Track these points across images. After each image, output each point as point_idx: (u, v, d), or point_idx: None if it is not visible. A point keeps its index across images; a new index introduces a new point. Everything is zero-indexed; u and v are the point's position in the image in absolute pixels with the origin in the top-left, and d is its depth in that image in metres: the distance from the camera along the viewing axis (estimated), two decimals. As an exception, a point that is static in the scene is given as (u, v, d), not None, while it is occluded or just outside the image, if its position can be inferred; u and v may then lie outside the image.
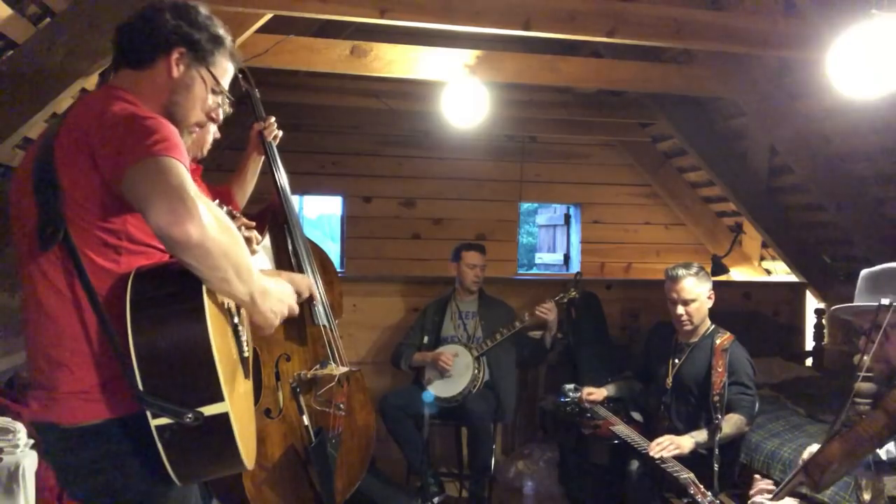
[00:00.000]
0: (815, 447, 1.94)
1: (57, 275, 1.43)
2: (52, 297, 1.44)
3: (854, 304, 1.97)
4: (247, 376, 1.61)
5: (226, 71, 1.66)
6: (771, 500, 1.88)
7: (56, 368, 1.44)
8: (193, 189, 1.31)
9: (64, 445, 1.44)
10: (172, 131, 1.41)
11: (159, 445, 1.31)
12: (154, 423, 1.30)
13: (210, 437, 1.32)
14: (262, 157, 2.72)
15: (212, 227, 1.29)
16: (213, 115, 1.68)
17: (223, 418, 1.31)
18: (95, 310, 1.38)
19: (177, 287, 1.32)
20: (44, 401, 1.45)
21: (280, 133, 2.77)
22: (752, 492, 1.99)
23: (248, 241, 2.35)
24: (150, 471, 1.39)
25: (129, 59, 1.58)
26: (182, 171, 1.33)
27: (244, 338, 1.56)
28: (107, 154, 1.37)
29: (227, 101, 1.68)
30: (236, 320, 1.51)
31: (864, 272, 2.02)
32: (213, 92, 1.63)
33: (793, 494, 1.89)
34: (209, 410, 1.29)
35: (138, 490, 1.43)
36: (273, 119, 2.75)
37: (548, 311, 3.87)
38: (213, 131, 2.31)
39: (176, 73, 1.56)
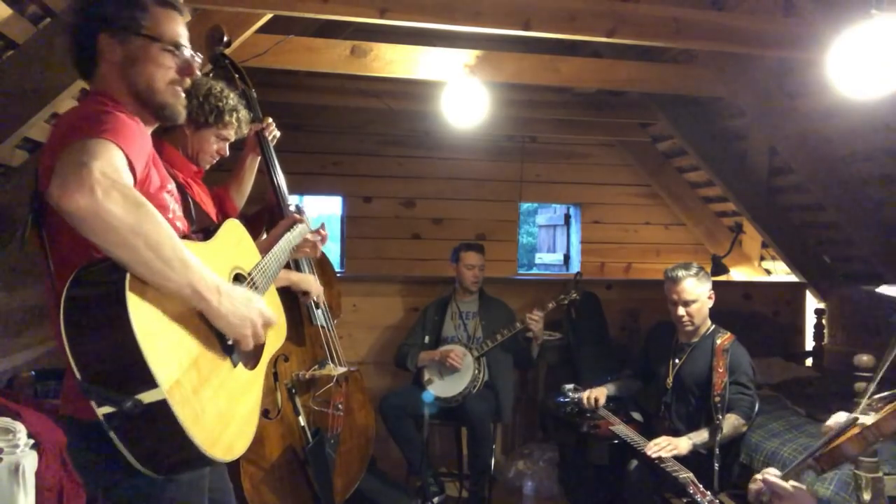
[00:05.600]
0: (841, 416, 1.91)
1: (45, 276, 1.48)
2: (47, 297, 1.50)
3: None
4: (241, 365, 1.58)
5: (162, 20, 1.56)
6: (781, 477, 1.87)
7: (67, 366, 1.48)
8: (104, 166, 1.27)
9: (77, 439, 1.50)
10: (126, 124, 1.40)
11: (111, 434, 1.31)
12: (99, 411, 1.30)
13: (156, 425, 1.32)
14: (259, 157, 2.73)
15: (111, 200, 1.25)
16: (187, 70, 1.59)
17: (162, 405, 1.30)
18: (57, 307, 1.39)
19: (104, 278, 1.33)
20: (64, 395, 1.52)
21: (278, 133, 2.77)
22: (751, 483, 1.98)
23: (311, 239, 2.31)
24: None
25: (83, 71, 1.58)
26: (104, 150, 1.30)
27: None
28: (60, 148, 1.36)
29: (186, 49, 1.59)
30: None
31: None
32: (166, 50, 1.56)
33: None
34: (147, 398, 1.29)
35: (145, 486, 1.45)
36: (270, 119, 2.75)
37: (535, 321, 3.85)
38: (216, 145, 2.31)
39: (115, 56, 1.52)
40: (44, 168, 1.45)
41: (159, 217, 1.33)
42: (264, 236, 2.67)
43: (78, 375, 1.30)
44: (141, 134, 1.44)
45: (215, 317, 1.43)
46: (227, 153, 2.37)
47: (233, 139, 2.39)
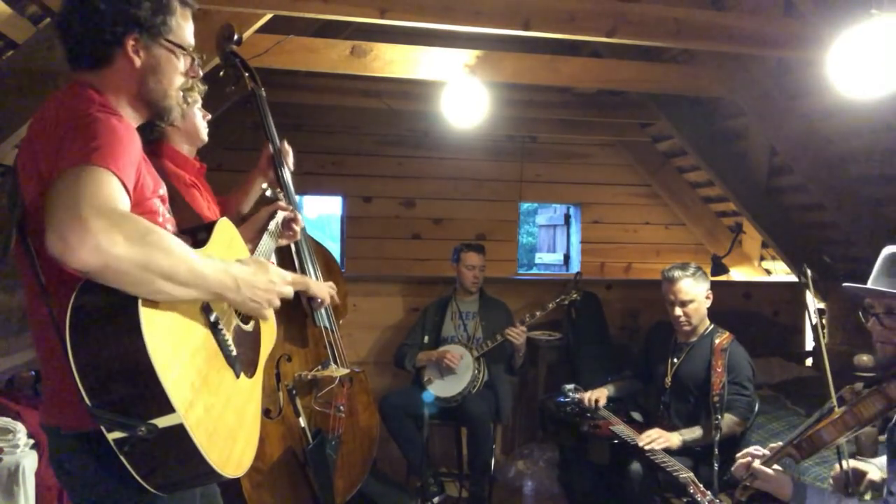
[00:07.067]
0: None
1: (27, 286, 1.42)
2: (29, 307, 1.44)
3: (874, 287, 1.98)
4: (242, 374, 1.55)
5: (183, 27, 1.54)
6: (762, 465, 1.92)
7: (46, 376, 1.45)
8: (101, 204, 1.20)
9: (65, 450, 1.43)
10: (117, 134, 1.32)
11: (122, 459, 1.26)
12: (110, 436, 1.24)
13: (171, 448, 1.28)
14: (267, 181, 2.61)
15: (116, 245, 1.18)
16: (192, 73, 1.58)
17: (179, 429, 1.25)
18: (53, 323, 1.33)
19: (113, 300, 1.24)
20: (46, 405, 1.45)
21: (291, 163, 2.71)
22: (738, 455, 2.03)
23: (292, 222, 2.30)
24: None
25: (85, 63, 1.48)
26: (97, 183, 1.22)
27: (228, 337, 1.48)
28: (48, 160, 1.31)
29: (199, 56, 1.58)
30: (213, 317, 1.44)
31: (886, 252, 2.02)
32: (185, 56, 1.54)
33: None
34: (163, 422, 1.24)
35: (134, 498, 1.38)
36: (287, 146, 2.69)
37: (517, 336, 3.83)
38: (199, 115, 2.33)
39: (138, 62, 1.47)
40: (24, 164, 1.38)
41: (167, 238, 1.27)
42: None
43: (87, 400, 1.23)
44: (130, 141, 1.36)
45: (237, 306, 1.46)
46: (208, 116, 2.38)
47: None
